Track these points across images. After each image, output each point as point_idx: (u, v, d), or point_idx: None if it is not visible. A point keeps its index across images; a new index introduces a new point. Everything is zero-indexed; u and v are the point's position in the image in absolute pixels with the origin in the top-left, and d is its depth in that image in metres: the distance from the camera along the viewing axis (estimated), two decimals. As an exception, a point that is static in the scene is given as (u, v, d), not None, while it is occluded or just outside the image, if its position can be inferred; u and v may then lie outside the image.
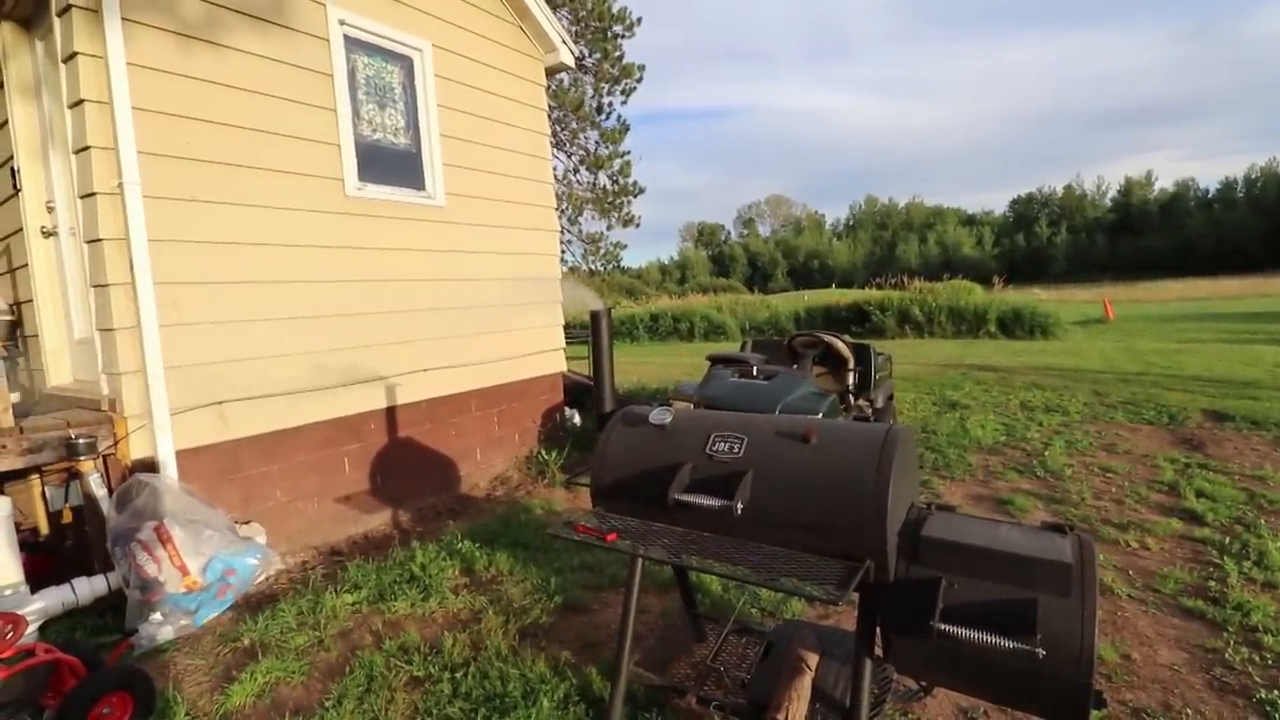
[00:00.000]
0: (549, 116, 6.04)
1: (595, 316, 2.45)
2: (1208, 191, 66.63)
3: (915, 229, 77.88)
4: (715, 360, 4.71)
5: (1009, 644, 1.41)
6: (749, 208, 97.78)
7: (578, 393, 6.15)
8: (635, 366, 12.02)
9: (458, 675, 2.44)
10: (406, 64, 4.68)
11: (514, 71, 5.45)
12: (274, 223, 3.77)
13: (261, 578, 3.34)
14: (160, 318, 3.29)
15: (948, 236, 73.12)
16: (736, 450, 1.95)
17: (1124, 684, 2.33)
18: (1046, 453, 5.04)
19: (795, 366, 4.68)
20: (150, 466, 3.28)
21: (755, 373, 4.41)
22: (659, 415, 2.14)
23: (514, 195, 5.38)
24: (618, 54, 17.55)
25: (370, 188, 4.34)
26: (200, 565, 2.98)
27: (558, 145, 18.38)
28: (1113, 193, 72.00)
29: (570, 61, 6.01)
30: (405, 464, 4.46)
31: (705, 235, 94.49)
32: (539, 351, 5.65)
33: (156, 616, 2.88)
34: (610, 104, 18.25)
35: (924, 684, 2.17)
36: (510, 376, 5.31)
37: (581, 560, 3.40)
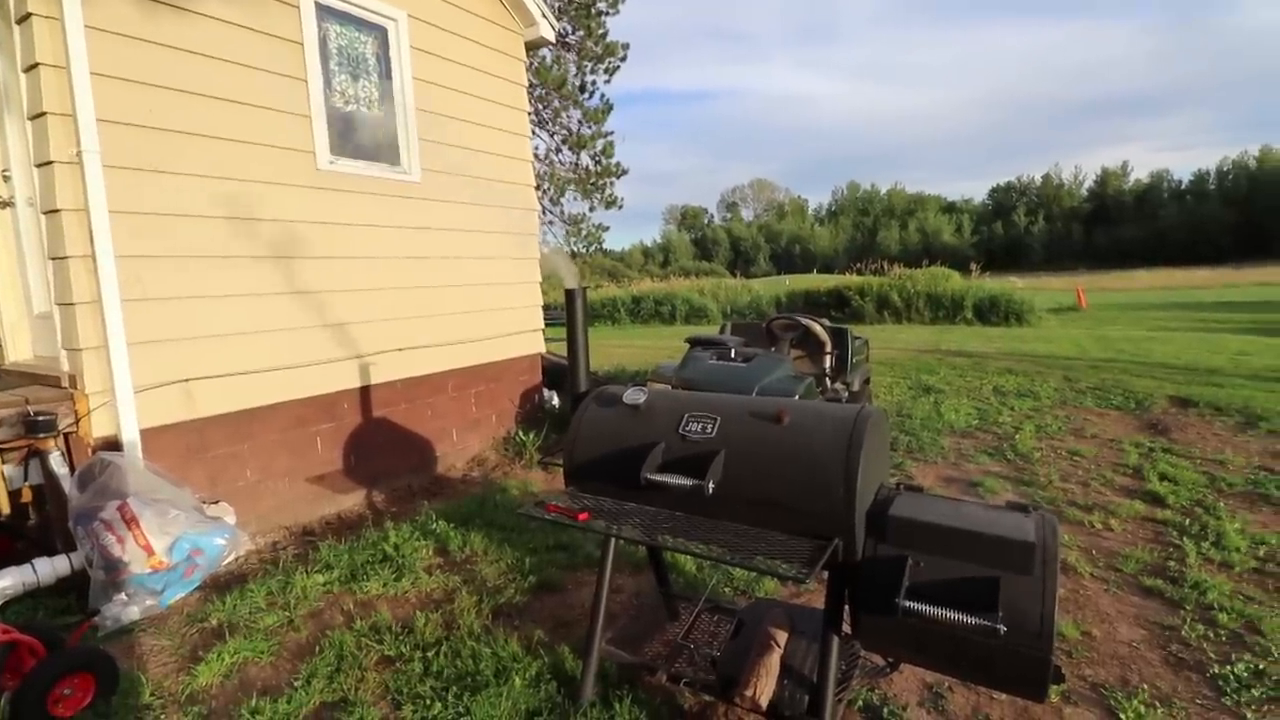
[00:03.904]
0: (530, 93, 5.93)
1: (570, 296, 2.42)
2: (1181, 183, 67.85)
3: (896, 215, 78.37)
4: (694, 342, 4.71)
5: (972, 620, 1.43)
6: (732, 191, 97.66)
7: (557, 374, 6.12)
8: (617, 348, 12.00)
9: (429, 654, 2.43)
10: (380, 34, 4.54)
11: (493, 45, 5.33)
12: (242, 196, 3.67)
13: (230, 558, 3.29)
14: (123, 292, 3.19)
15: (928, 224, 73.71)
16: (709, 430, 1.95)
17: (1084, 660, 2.40)
18: (1017, 436, 5.14)
19: (773, 349, 4.70)
20: (114, 445, 3.20)
21: (733, 355, 4.42)
22: (633, 396, 2.14)
23: (492, 172, 5.29)
24: (601, 31, 17.24)
25: (343, 162, 4.23)
26: (166, 545, 2.93)
27: (539, 124, 18.10)
28: (1089, 183, 73.03)
29: (551, 37, 5.90)
30: (380, 444, 4.41)
31: (688, 218, 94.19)
32: (517, 332, 5.60)
33: (121, 597, 2.83)
34: (593, 83, 17.97)
35: (890, 660, 2.22)
36: (488, 357, 5.26)
37: (556, 541, 3.40)
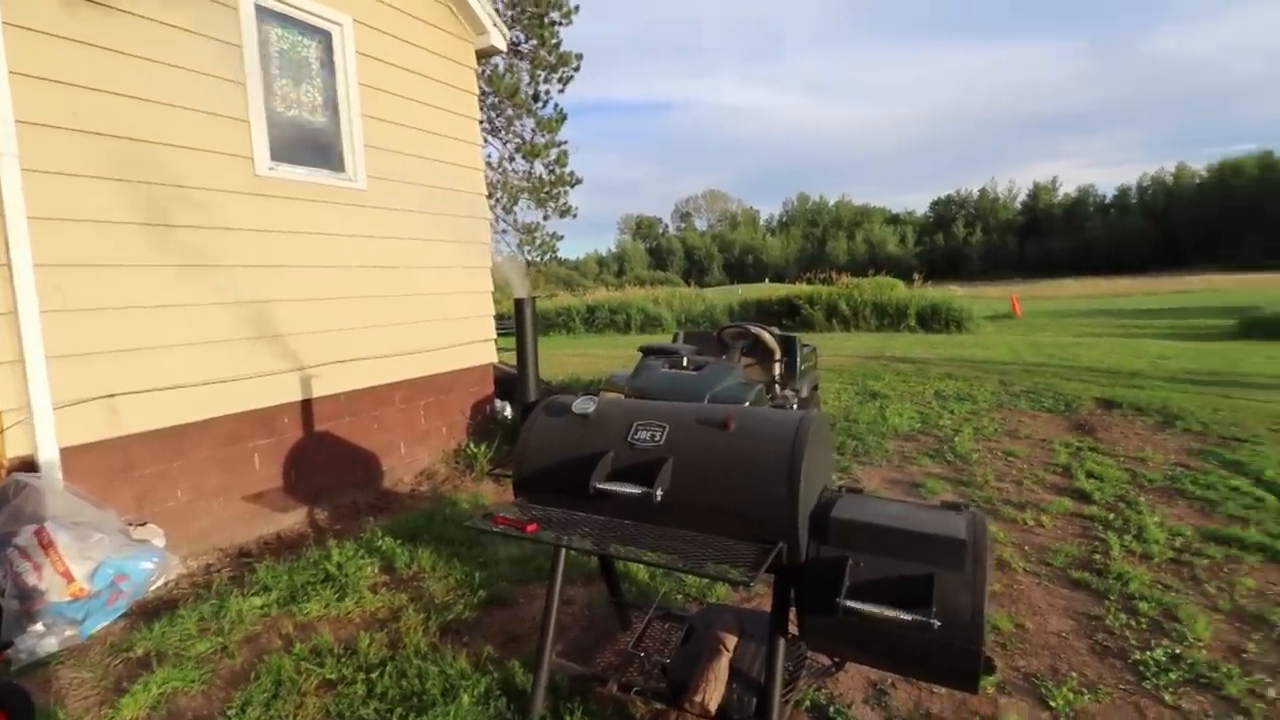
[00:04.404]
0: (482, 101, 5.88)
1: (519, 305, 2.41)
2: (1105, 197, 72.32)
3: (844, 226, 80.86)
4: (647, 351, 4.73)
5: (908, 617, 1.48)
6: (686, 201, 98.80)
7: (509, 384, 6.05)
8: (571, 358, 11.95)
9: (373, 676, 2.36)
10: (325, 38, 4.44)
11: (443, 52, 5.28)
12: (175, 201, 3.51)
13: (159, 583, 3.12)
14: (41, 303, 3.01)
15: (874, 234, 76.30)
16: (658, 438, 1.96)
17: (1017, 651, 2.50)
18: (956, 439, 5.35)
19: (724, 357, 4.77)
20: (30, 465, 3.00)
21: (685, 363, 4.46)
22: (582, 405, 2.13)
23: (443, 180, 5.22)
24: (554, 41, 17.27)
25: (284, 167, 4.10)
26: (87, 571, 2.76)
27: (493, 131, 17.96)
28: (1022, 196, 77.02)
29: (502, 45, 5.88)
30: (323, 459, 4.27)
31: (643, 228, 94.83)
32: (468, 342, 5.52)
33: (38, 628, 2.65)
34: (547, 92, 17.97)
35: (836, 659, 2.27)
36: (438, 368, 5.17)
37: (508, 554, 3.36)
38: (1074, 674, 2.35)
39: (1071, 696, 2.21)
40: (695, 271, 69.74)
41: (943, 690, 2.23)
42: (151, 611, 2.93)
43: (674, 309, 20.77)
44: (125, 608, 2.93)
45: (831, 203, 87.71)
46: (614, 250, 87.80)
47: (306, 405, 4.18)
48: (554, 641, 2.12)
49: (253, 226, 3.89)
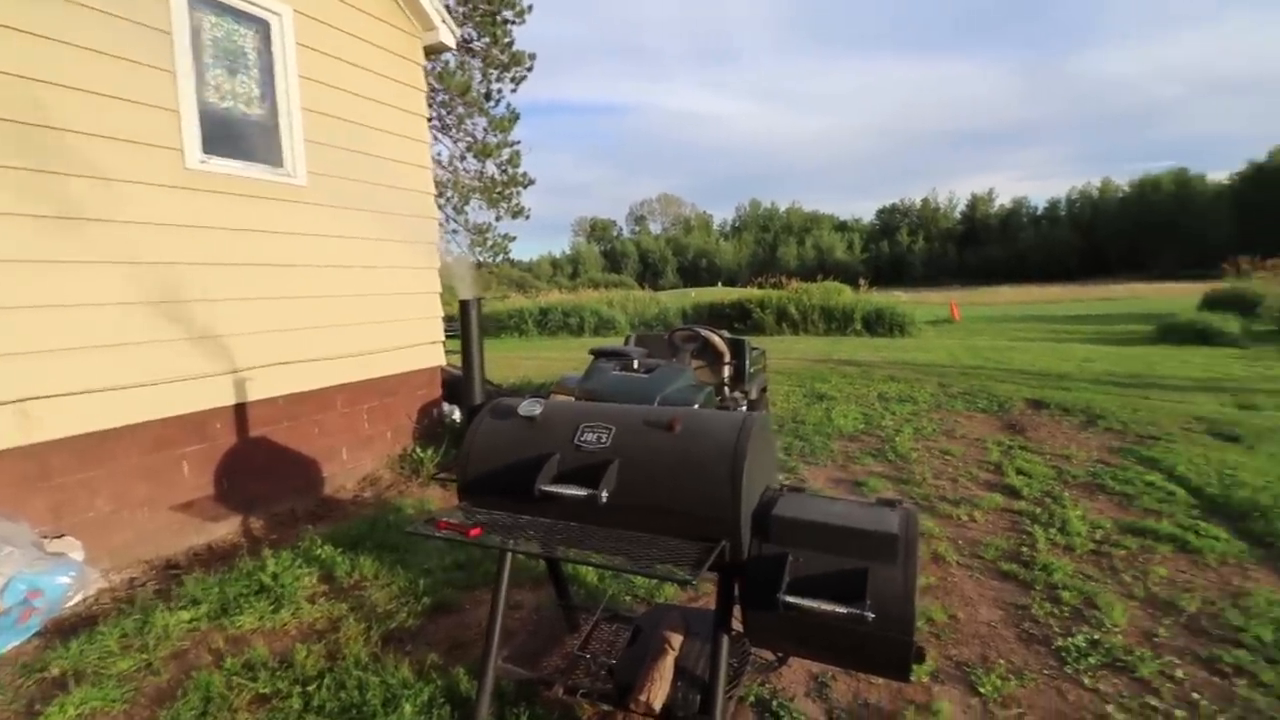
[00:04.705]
0: (431, 98, 5.77)
1: (464, 306, 2.38)
2: (1037, 209, 76.39)
3: (794, 232, 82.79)
4: (598, 354, 4.73)
5: (843, 610, 1.53)
6: (641, 205, 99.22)
7: (458, 388, 5.94)
8: (523, 360, 11.83)
9: (310, 688, 2.28)
10: (263, 28, 4.28)
11: (389, 47, 5.16)
12: (93, 195, 3.32)
13: (77, 598, 2.94)
14: (-60, 300, 2.80)
15: (823, 241, 78.39)
16: (604, 440, 1.97)
17: (950, 640, 2.61)
18: (897, 439, 5.54)
19: (675, 360, 4.81)
20: (-73, 475, 2.78)
21: (636, 366, 4.48)
22: (528, 407, 2.12)
23: (388, 178, 5.09)
24: (507, 40, 17.08)
25: (217, 161, 3.93)
26: (-6, 588, 2.58)
27: (443, 129, 17.64)
28: (961, 207, 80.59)
29: (451, 42, 5.78)
30: (259, 466, 4.10)
31: (597, 230, 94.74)
32: (415, 344, 5.39)
33: (-66, 651, 2.46)
34: (499, 91, 17.75)
35: (779, 655, 2.31)
36: (383, 370, 5.03)
37: (454, 559, 3.30)
38: (1002, 661, 2.46)
39: (999, 683, 2.32)
40: (649, 275, 70.09)
41: (880, 681, 2.31)
42: (69, 629, 2.75)
43: (628, 312, 20.82)
44: (39, 625, 2.74)
45: (783, 209, 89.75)
46: (568, 252, 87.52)
47: (241, 409, 4.00)
48: (500, 647, 2.09)
49: (183, 222, 3.71)
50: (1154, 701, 2.22)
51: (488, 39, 17.01)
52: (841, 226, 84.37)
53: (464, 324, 2.36)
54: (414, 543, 3.45)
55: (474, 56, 17.28)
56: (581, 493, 1.84)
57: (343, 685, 2.29)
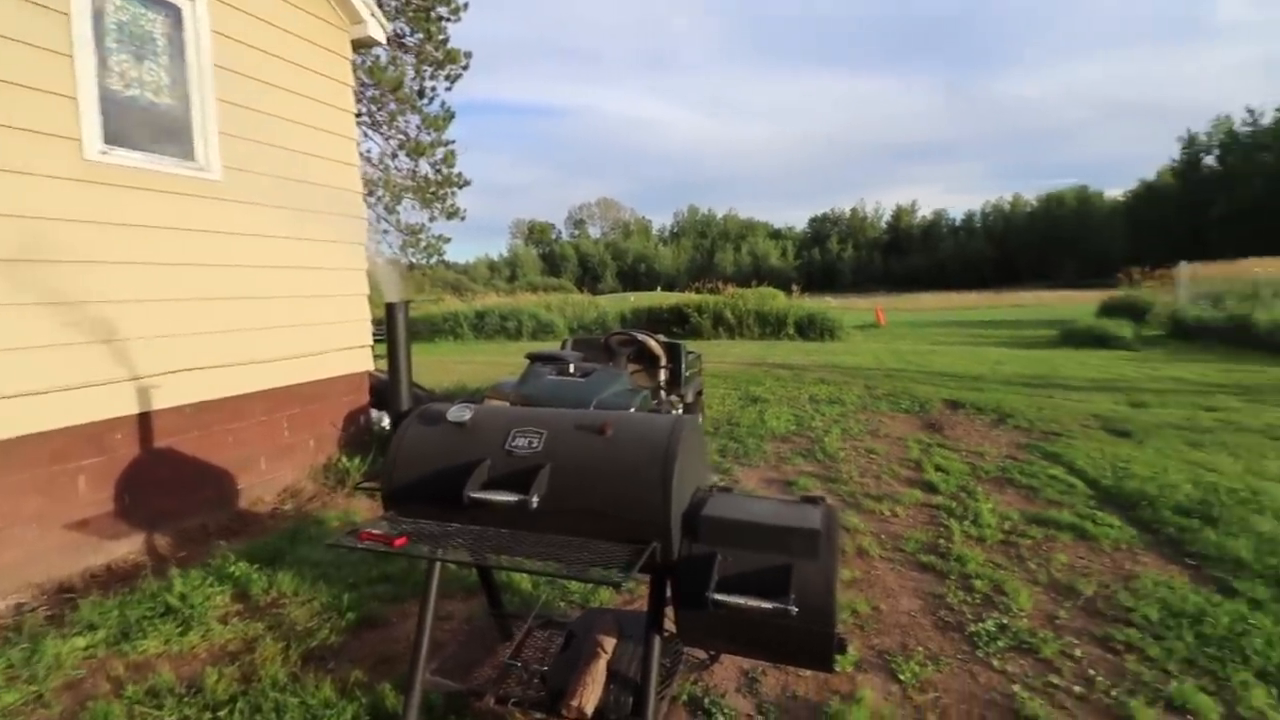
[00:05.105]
0: (361, 94, 5.59)
1: (391, 309, 2.31)
2: (955, 221, 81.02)
3: (731, 239, 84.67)
4: (534, 358, 4.69)
5: (769, 605, 1.58)
6: (580, 208, 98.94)
7: (387, 393, 5.75)
8: (458, 365, 11.57)
9: (221, 714, 2.15)
10: (174, 13, 4.03)
11: (314, 40, 4.95)
12: (-26, 185, 3.03)
13: (-50, 629, 2.66)
14: None
15: (758, 247, 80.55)
16: (536, 445, 1.95)
17: (873, 631, 2.72)
18: (826, 439, 5.74)
19: (612, 364, 4.82)
20: None
21: (573, 370, 4.47)
22: (457, 413, 2.08)
23: (313, 175, 4.88)
24: (442, 37, 16.71)
25: (120, 152, 3.67)
26: None
27: (373, 125, 17.06)
28: (887, 217, 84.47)
29: (380, 37, 5.61)
30: (166, 479, 3.83)
31: (536, 233, 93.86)
32: (341, 348, 5.18)
33: None
34: (433, 88, 17.32)
35: (711, 653, 2.36)
36: (305, 376, 4.81)
37: (381, 572, 3.18)
38: (920, 648, 2.59)
39: (918, 669, 2.44)
40: (589, 278, 69.95)
41: (807, 673, 2.38)
42: (-62, 664, 2.49)
43: (567, 316, 20.69)
44: (-99, 662, 2.47)
45: (720, 216, 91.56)
46: (506, 255, 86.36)
47: (146, 418, 3.74)
48: (429, 659, 2.03)
49: (82, 217, 3.44)
50: (1055, 680, 2.38)
51: (421, 35, 16.59)
52: (776, 234, 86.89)
53: (390, 327, 2.29)
54: (338, 556, 3.31)
55: (407, 52, 16.82)
56: (512, 498, 1.81)
57: (258, 708, 2.17)
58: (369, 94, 16.47)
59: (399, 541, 1.84)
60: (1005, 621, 2.77)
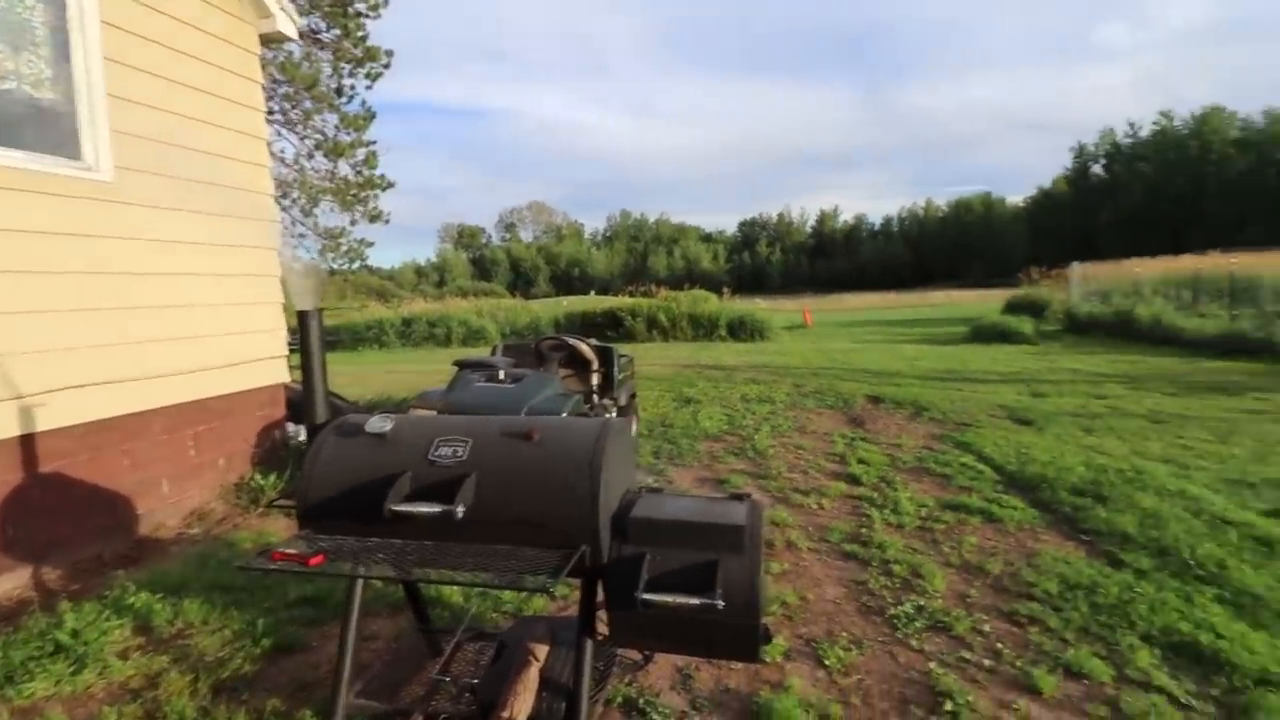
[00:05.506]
0: (273, 91, 5.32)
1: (303, 318, 2.20)
2: (875, 226, 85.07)
3: (664, 243, 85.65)
4: (463, 365, 4.58)
5: (696, 601, 1.60)
6: (511, 212, 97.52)
7: (304, 406, 5.47)
8: (383, 374, 11.16)
9: (120, 757, 1.99)
10: (56, 1, 3.70)
11: (217, 33, 4.67)
12: None
13: None
14: None
15: (690, 251, 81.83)
16: (460, 454, 1.91)
17: (800, 620, 2.81)
18: (756, 437, 5.89)
19: (543, 369, 4.78)
20: None
21: (502, 376, 4.39)
22: (377, 424, 2.01)
23: (217, 176, 4.59)
24: (361, 34, 16.11)
25: (-9, 150, 3.34)
26: None
27: (287, 124, 16.27)
28: (812, 222, 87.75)
29: (291, 32, 5.36)
30: (53, 507, 3.51)
31: (465, 237, 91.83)
32: (252, 360, 4.90)
33: None
34: (352, 87, 16.69)
35: (645, 653, 2.37)
36: (212, 390, 4.51)
37: (300, 595, 3.02)
38: (844, 634, 2.70)
39: (843, 654, 2.54)
40: (521, 283, 69.08)
41: (739, 666, 2.43)
42: None
43: (498, 321, 20.34)
44: None
45: (652, 220, 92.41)
46: (434, 260, 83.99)
47: (28, 441, 3.41)
48: (351, 681, 1.95)
49: (-58, 221, 3.11)
50: (967, 655, 2.54)
51: (338, 31, 15.96)
52: (707, 238, 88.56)
53: (303, 337, 2.19)
54: (252, 581, 3.12)
55: (323, 49, 16.14)
56: (436, 509, 1.77)
57: (162, 748, 2.02)
58: (281, 91, 15.70)
59: (315, 560, 1.76)
60: (922, 603, 2.92)
